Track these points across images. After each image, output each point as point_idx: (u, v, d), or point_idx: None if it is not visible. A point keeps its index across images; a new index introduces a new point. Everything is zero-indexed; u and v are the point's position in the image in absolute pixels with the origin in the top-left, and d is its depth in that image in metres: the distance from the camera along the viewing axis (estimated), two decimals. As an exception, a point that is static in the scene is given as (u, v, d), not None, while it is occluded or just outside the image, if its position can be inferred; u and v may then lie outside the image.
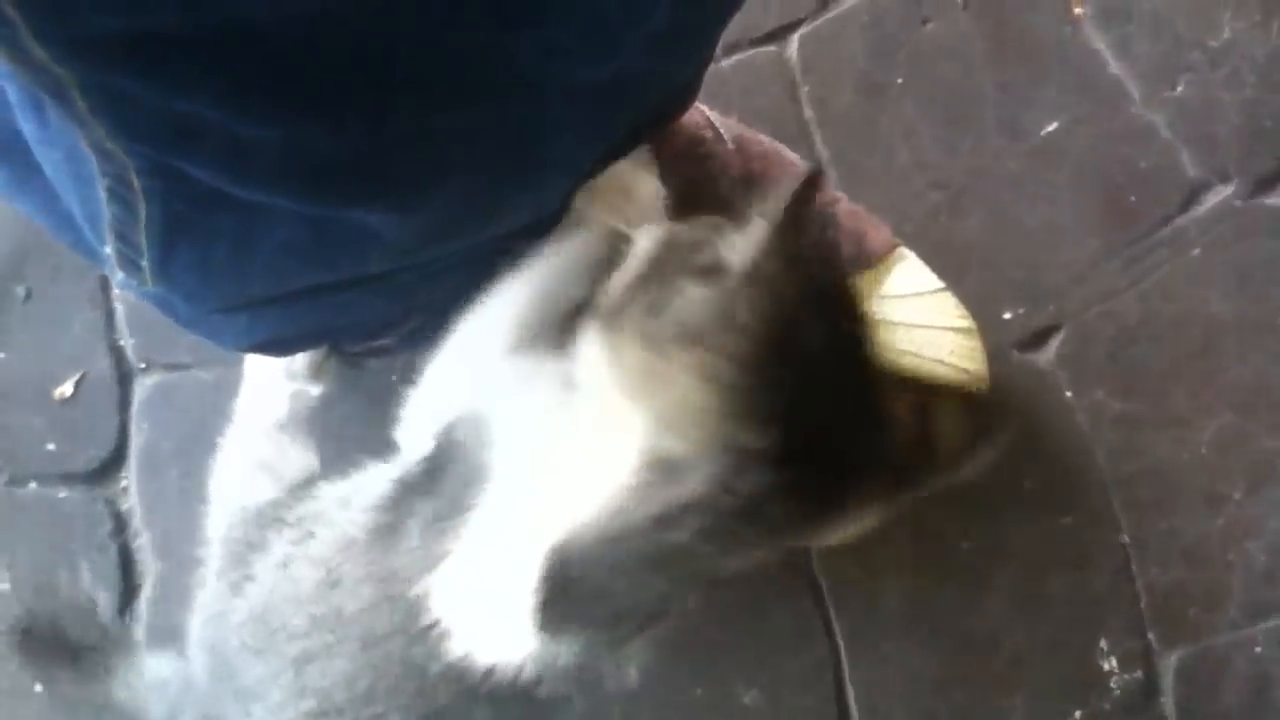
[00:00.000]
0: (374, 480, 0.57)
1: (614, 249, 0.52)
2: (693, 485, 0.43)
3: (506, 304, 0.57)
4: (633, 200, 0.59)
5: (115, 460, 0.80)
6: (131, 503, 0.80)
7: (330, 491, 0.59)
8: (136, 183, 0.44)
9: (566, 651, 0.49)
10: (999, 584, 0.80)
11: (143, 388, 0.81)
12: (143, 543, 0.79)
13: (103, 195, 0.46)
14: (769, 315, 0.43)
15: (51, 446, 0.80)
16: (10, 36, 0.33)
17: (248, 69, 0.37)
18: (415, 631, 0.50)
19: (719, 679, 0.79)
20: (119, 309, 0.82)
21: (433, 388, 0.59)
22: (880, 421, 0.46)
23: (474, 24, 0.40)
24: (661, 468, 0.44)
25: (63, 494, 0.80)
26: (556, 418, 0.49)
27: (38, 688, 0.77)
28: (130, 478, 0.80)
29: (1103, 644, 0.80)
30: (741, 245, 0.45)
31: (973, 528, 0.81)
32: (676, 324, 0.44)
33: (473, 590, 0.49)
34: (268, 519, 0.59)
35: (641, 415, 0.45)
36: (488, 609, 0.49)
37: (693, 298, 0.44)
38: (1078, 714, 0.79)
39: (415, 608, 0.50)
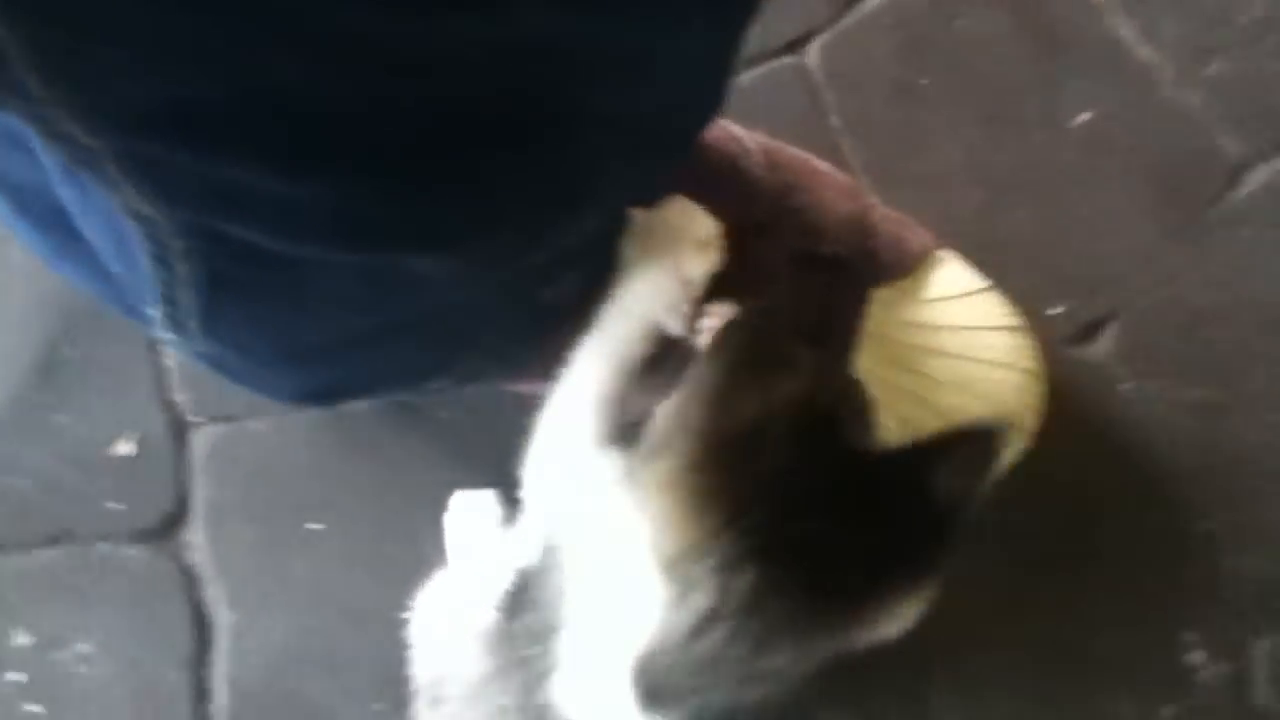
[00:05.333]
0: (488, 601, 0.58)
1: (677, 301, 0.52)
2: (700, 596, 0.43)
3: (586, 382, 0.57)
4: (686, 241, 0.59)
5: (179, 515, 0.82)
6: (199, 556, 0.81)
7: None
8: (175, 245, 0.44)
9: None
10: (1078, 582, 0.79)
11: (200, 441, 0.83)
12: (214, 595, 0.80)
13: (144, 258, 0.47)
14: (725, 414, 0.43)
15: (116, 506, 0.81)
16: (39, 114, 0.34)
17: (288, 133, 0.37)
18: None
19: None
20: (170, 365, 0.83)
21: (532, 486, 0.60)
22: (884, 501, 0.45)
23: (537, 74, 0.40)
24: (674, 579, 0.44)
25: (131, 552, 0.81)
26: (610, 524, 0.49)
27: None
28: (196, 531, 0.81)
29: (1190, 637, 0.78)
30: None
31: (1039, 529, 0.79)
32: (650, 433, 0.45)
33: (585, 695, 0.50)
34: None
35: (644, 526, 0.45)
36: (603, 710, 0.50)
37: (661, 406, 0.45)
38: (1167, 711, 0.77)
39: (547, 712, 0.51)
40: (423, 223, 0.44)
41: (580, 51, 0.40)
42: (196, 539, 0.81)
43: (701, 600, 0.43)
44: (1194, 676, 0.78)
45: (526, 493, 0.61)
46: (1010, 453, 0.73)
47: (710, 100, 0.54)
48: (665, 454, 0.44)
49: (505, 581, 0.57)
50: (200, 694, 0.79)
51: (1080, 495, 0.80)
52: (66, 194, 0.51)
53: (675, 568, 0.44)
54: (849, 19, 0.87)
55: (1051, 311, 0.81)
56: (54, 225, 0.57)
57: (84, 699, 0.78)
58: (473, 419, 0.82)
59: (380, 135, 0.39)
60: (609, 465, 0.49)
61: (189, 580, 0.81)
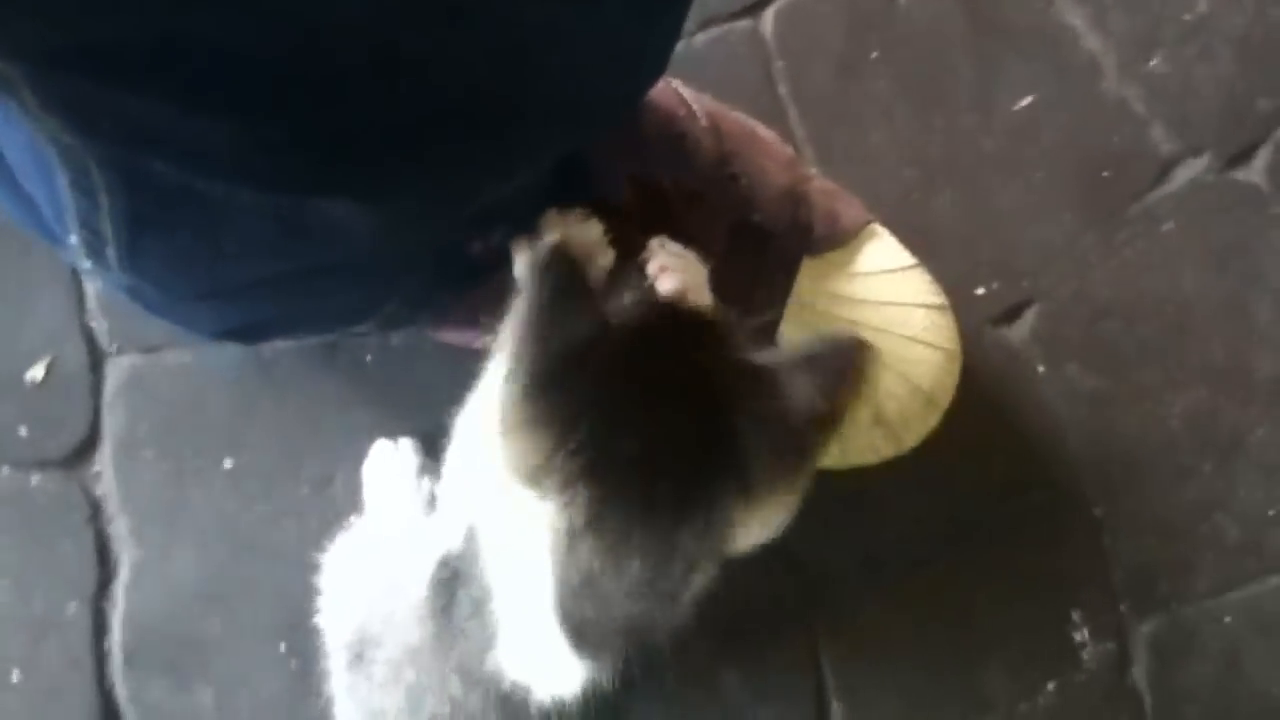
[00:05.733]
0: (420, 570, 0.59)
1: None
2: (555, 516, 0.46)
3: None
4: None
5: (89, 444, 0.80)
6: (106, 487, 0.80)
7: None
8: (97, 175, 0.43)
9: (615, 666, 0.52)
10: (971, 560, 0.81)
11: (115, 370, 0.81)
12: (118, 528, 0.79)
13: (65, 186, 0.45)
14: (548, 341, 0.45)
15: (24, 431, 0.79)
16: None
17: (198, 74, 0.36)
18: (503, 696, 0.53)
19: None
20: (89, 291, 0.81)
21: (453, 480, 0.61)
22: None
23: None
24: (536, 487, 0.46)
25: (36, 479, 0.79)
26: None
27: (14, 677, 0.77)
28: (105, 462, 0.80)
29: (1075, 616, 0.81)
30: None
31: (942, 505, 0.81)
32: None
33: (527, 651, 0.52)
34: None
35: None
36: (546, 660, 0.52)
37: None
38: (1051, 685, 0.80)
39: (494, 678, 0.53)
40: (332, 168, 0.44)
41: (522, 18, 0.40)
42: (105, 470, 0.80)
43: (558, 521, 0.45)
44: (1077, 654, 0.81)
45: (449, 479, 0.62)
46: (923, 428, 0.74)
47: (652, 68, 0.54)
48: (507, 383, 0.46)
49: (431, 564, 0.57)
50: (98, 628, 0.78)
51: (983, 472, 0.82)
52: None
53: (533, 479, 0.46)
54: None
55: (979, 291, 0.83)
56: None
57: (-24, 625, 0.77)
58: (396, 364, 0.81)
59: (297, 87, 0.38)
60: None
61: (95, 512, 0.79)
